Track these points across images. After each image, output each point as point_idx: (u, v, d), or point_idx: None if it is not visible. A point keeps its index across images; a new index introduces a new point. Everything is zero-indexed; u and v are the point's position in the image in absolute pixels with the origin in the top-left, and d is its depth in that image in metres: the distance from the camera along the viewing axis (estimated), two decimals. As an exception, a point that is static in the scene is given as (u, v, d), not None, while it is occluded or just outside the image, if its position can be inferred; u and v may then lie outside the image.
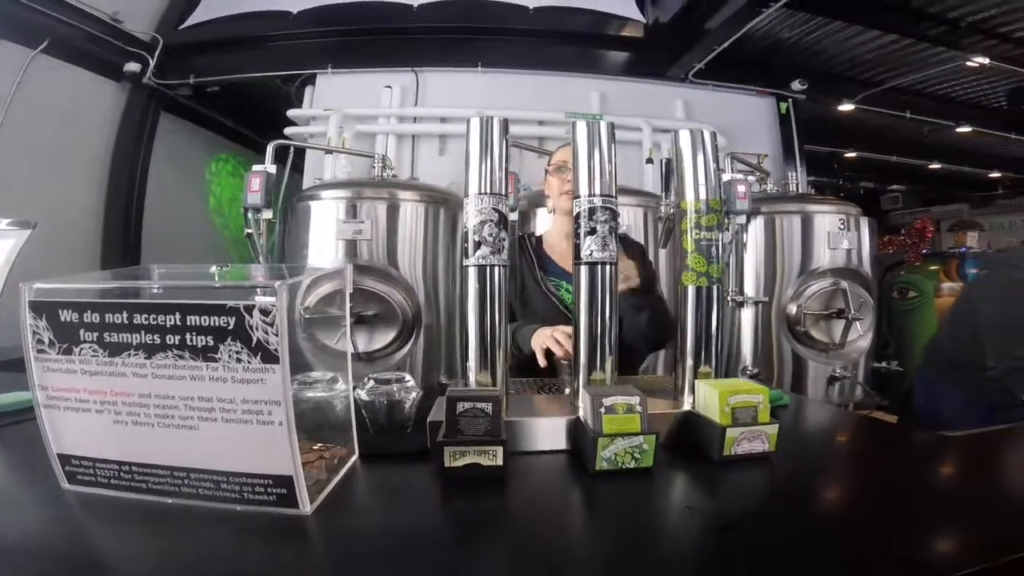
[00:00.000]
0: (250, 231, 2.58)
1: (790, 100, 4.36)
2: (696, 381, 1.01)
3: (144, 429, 0.72)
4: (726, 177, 3.13)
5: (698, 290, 1.05)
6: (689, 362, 1.06)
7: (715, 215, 1.06)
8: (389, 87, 3.82)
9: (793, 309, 3.10)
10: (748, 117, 4.28)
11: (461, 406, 0.84)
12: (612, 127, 1.08)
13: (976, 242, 4.49)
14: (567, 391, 1.15)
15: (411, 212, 2.73)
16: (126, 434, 0.73)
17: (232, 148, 5.23)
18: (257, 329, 0.66)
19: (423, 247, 2.74)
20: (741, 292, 3.12)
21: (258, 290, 0.69)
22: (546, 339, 1.34)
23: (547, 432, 0.98)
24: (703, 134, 1.09)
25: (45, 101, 3.37)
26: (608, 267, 1.02)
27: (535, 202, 3.21)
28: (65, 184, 3.60)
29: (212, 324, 0.68)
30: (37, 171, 3.38)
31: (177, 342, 0.69)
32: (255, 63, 4.02)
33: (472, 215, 0.99)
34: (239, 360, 0.68)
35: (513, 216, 2.90)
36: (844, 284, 3.05)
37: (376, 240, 2.65)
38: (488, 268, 0.99)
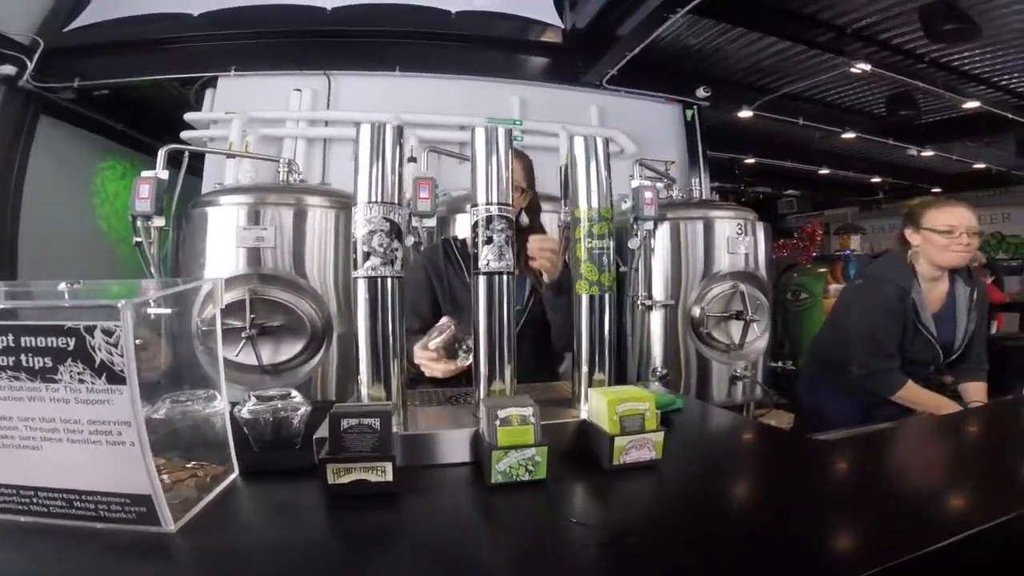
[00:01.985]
0: (139, 240, 2.41)
1: (695, 107, 4.53)
2: (589, 389, 1.02)
3: None
4: (634, 184, 3.23)
5: (591, 298, 1.07)
6: (584, 369, 1.07)
7: (606, 223, 1.08)
8: (299, 90, 3.69)
9: (697, 311, 3.21)
10: (657, 124, 4.43)
11: (346, 422, 0.80)
12: (510, 133, 1.07)
13: (859, 245, 4.88)
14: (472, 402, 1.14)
15: (320, 218, 2.63)
16: None
17: (124, 153, 4.89)
18: (100, 350, 0.63)
19: (334, 254, 2.64)
20: (650, 296, 3.22)
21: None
22: (425, 365, 1.31)
23: (449, 445, 0.96)
24: (596, 141, 1.11)
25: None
26: (505, 276, 1.01)
27: (454, 207, 3.18)
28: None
29: (50, 345, 0.64)
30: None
31: (11, 363, 0.66)
32: (150, 65, 3.80)
33: (360, 225, 0.95)
34: (81, 381, 0.64)
35: (431, 222, 2.86)
36: (742, 287, 3.20)
37: (281, 248, 2.53)
38: (379, 280, 0.95)
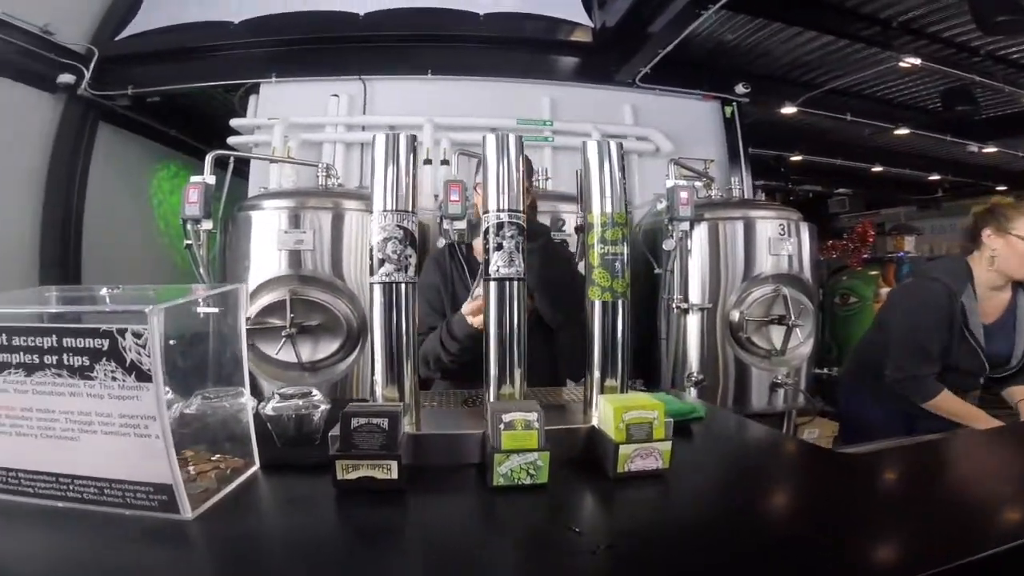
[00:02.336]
0: (190, 242, 2.54)
1: (734, 104, 4.42)
2: (599, 396, 1.03)
3: (27, 439, 0.77)
4: (669, 183, 3.19)
5: (604, 304, 1.08)
6: (596, 375, 1.08)
7: (619, 229, 1.09)
8: (336, 96, 3.80)
9: (736, 315, 3.14)
10: (695, 121, 4.35)
11: (356, 422, 0.85)
12: (520, 140, 1.10)
13: (913, 246, 4.66)
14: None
15: (356, 221, 2.71)
16: (10, 444, 0.78)
17: (176, 157, 5.14)
18: (130, 351, 0.69)
19: (369, 256, 2.72)
20: (686, 299, 3.17)
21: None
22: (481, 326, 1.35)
23: (457, 446, 1.00)
24: (610, 146, 1.12)
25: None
26: (516, 283, 1.04)
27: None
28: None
29: (87, 346, 0.71)
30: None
31: (55, 361, 0.73)
32: (196, 73, 3.97)
33: (376, 232, 1.00)
34: (114, 379, 0.71)
35: (461, 224, 2.91)
36: (785, 290, 3.10)
37: (320, 250, 2.63)
38: (393, 286, 1.00)
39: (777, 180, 7.14)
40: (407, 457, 0.87)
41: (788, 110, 4.75)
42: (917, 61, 3.83)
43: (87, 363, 0.71)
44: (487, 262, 1.05)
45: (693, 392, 3.13)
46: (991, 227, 1.79)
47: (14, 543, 0.72)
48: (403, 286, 1.00)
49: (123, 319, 0.70)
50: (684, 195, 3.04)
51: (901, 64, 3.94)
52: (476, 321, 1.38)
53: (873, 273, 4.59)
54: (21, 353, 0.74)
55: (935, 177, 7.73)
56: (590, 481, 0.93)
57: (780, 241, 3.19)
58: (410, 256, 1.01)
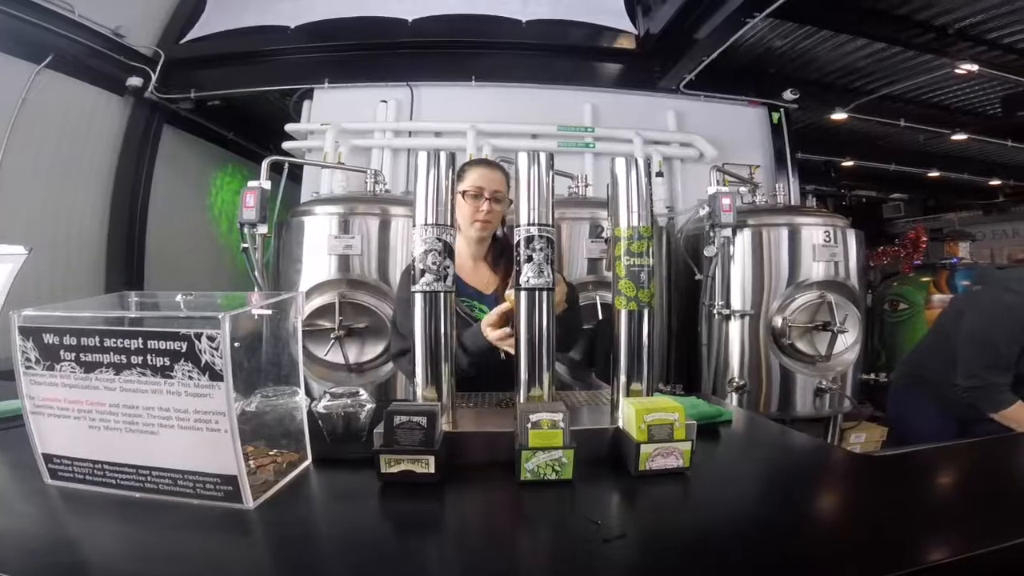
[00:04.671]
0: (246, 246, 2.71)
1: (782, 110, 4.39)
2: (623, 399, 1.09)
3: (114, 433, 0.86)
4: (711, 190, 3.20)
5: (630, 313, 1.14)
6: (622, 379, 1.14)
7: (645, 241, 1.14)
8: (384, 101, 3.94)
9: (779, 322, 3.13)
10: (740, 127, 4.32)
11: (398, 419, 0.93)
12: (551, 157, 1.16)
13: (967, 252, 4.49)
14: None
15: (402, 227, 2.82)
16: (99, 437, 0.86)
17: (235, 161, 5.36)
18: (205, 352, 0.78)
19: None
20: (728, 305, 3.16)
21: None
22: (499, 340, 1.39)
23: (490, 444, 1.07)
24: (637, 162, 1.17)
25: (49, 116, 3.48)
26: (545, 292, 1.11)
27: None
28: (69, 199, 3.73)
29: (168, 347, 0.81)
30: (41, 187, 3.50)
31: (140, 362, 0.82)
32: (254, 78, 4.14)
33: (418, 244, 1.08)
34: (191, 378, 0.80)
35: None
36: (830, 297, 3.07)
37: (367, 255, 2.75)
38: (432, 295, 1.08)
39: (828, 185, 6.97)
40: (444, 453, 0.95)
41: (838, 116, 4.67)
42: (975, 67, 3.72)
43: (168, 363, 0.80)
44: (517, 273, 1.12)
45: (734, 398, 3.13)
46: None
47: (97, 531, 0.81)
48: (441, 295, 1.09)
49: (199, 324, 0.79)
50: (726, 201, 3.05)
51: (957, 71, 3.83)
52: (495, 335, 1.38)
53: (925, 279, 4.45)
54: (111, 354, 0.82)
55: (995, 182, 7.40)
56: (613, 478, 1.00)
57: (826, 247, 3.16)
58: (448, 267, 1.09)
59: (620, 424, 1.09)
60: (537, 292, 1.10)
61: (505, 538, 0.84)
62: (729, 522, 0.87)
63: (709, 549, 0.77)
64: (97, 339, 0.84)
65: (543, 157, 1.14)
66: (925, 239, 4.78)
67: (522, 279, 1.10)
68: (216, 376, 0.79)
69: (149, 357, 0.81)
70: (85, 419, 0.86)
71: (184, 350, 0.79)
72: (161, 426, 0.83)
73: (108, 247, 4.00)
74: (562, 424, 0.96)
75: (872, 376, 3.62)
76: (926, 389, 2.03)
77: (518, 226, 1.12)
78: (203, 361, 0.79)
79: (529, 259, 1.10)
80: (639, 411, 0.99)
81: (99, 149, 3.94)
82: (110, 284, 3.92)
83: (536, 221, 1.11)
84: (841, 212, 4.33)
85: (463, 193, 1.61)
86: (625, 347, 1.14)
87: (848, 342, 3.14)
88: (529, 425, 0.95)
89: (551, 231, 1.12)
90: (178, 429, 0.82)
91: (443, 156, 1.12)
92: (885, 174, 6.68)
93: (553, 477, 0.95)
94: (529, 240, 1.10)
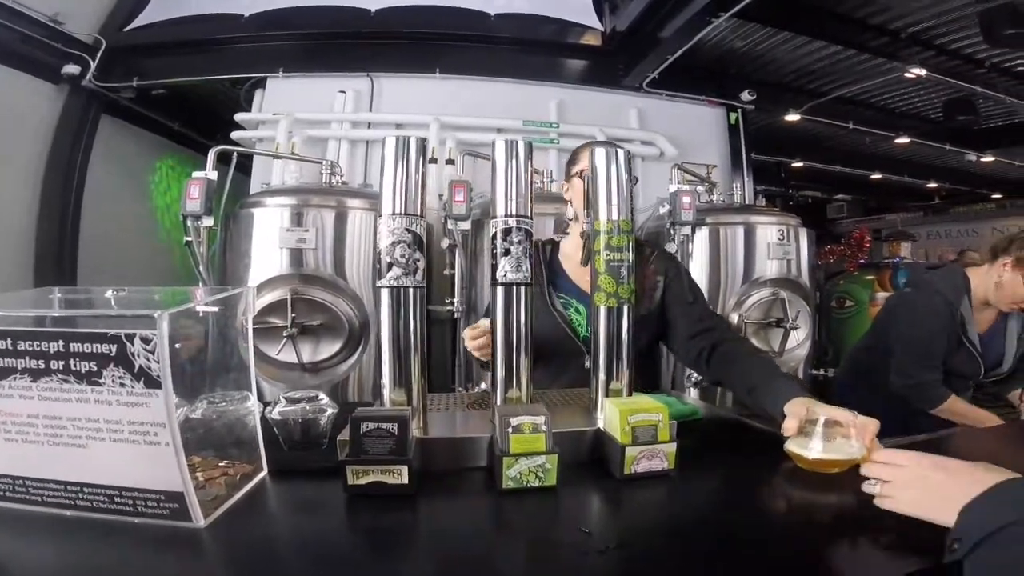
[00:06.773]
0: (190, 239, 2.53)
1: (739, 110, 4.45)
2: (604, 399, 1.03)
3: (33, 447, 0.75)
4: (672, 188, 3.21)
5: (609, 309, 1.08)
6: (601, 378, 1.08)
7: (625, 236, 1.08)
8: (343, 92, 3.78)
9: (735, 318, 3.17)
10: (699, 127, 4.36)
11: (365, 426, 0.85)
12: (530, 146, 1.09)
13: (909, 252, 4.70)
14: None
15: (360, 220, 2.70)
16: (16, 451, 0.76)
17: (178, 151, 5.10)
18: (139, 356, 0.68)
19: (373, 256, 2.72)
20: (687, 301, 3.18)
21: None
22: (474, 350, 1.32)
23: (465, 450, 0.99)
24: (617, 153, 1.11)
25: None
26: (523, 288, 1.04)
27: (488, 211, 3.21)
28: (-5, 191, 3.46)
29: (94, 351, 0.70)
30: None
31: (61, 367, 0.72)
32: (203, 66, 3.93)
33: (384, 235, 0.99)
34: (122, 385, 0.70)
35: (465, 224, 2.90)
36: (783, 294, 3.15)
37: (322, 249, 2.62)
38: (400, 290, 0.99)
39: (777, 186, 7.18)
40: (416, 462, 0.87)
41: (792, 117, 4.78)
42: (923, 71, 3.87)
43: (95, 368, 0.70)
44: (494, 267, 1.05)
45: (694, 393, 3.15)
46: (1009, 259, 1.81)
47: (23, 552, 0.71)
48: (411, 290, 1.00)
49: (131, 323, 0.69)
50: (687, 200, 3.06)
51: (907, 74, 3.98)
52: (471, 345, 1.31)
53: (869, 278, 4.65)
54: (27, 358, 0.72)
55: (933, 185, 7.80)
56: (597, 482, 0.94)
57: (780, 246, 3.23)
58: (418, 260, 1.00)
59: (601, 425, 1.04)
60: (515, 287, 1.03)
61: (492, 553, 0.76)
62: (725, 525, 0.82)
63: (709, 552, 0.73)
64: (9, 341, 0.72)
65: (521, 146, 1.07)
66: (869, 239, 4.99)
67: (499, 273, 1.03)
68: (153, 383, 0.68)
69: (72, 362, 0.70)
70: (-1, 431, 0.75)
71: (114, 354, 0.69)
72: (90, 439, 0.73)
73: (37, 242, 3.71)
74: (544, 427, 0.90)
75: (821, 371, 3.73)
76: (865, 383, 2.10)
77: (494, 217, 1.05)
78: (137, 366, 0.68)
79: (507, 252, 1.02)
80: (623, 412, 0.93)
81: (28, 139, 3.67)
82: (39, 282, 3.64)
83: (514, 212, 1.04)
84: (789, 212, 4.45)
85: (575, 174, 1.47)
86: (605, 344, 1.09)
87: (800, 338, 3.22)
88: (510, 429, 0.88)
89: (529, 223, 1.05)
90: (110, 442, 0.72)
91: (413, 141, 1.03)
92: (830, 175, 6.92)
93: (536, 484, 0.88)
94: (507, 232, 1.03)
